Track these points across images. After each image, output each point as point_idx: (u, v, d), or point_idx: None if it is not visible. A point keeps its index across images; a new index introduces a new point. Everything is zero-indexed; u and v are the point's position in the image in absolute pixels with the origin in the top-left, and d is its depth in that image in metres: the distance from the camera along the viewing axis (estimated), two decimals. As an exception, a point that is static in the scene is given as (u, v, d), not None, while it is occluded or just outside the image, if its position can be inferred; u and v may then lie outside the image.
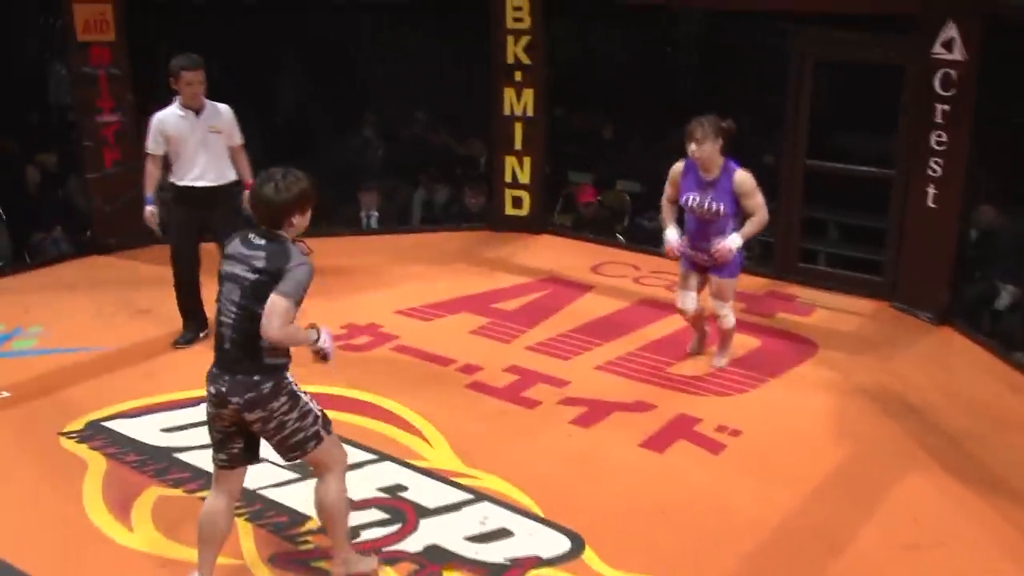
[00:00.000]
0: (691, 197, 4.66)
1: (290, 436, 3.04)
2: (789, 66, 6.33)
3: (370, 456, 4.11)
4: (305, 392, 3.10)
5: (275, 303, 2.90)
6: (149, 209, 5.33)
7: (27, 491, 3.82)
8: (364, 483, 3.88)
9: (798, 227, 6.60)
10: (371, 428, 4.38)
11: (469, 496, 3.83)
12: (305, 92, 9.37)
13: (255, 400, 2.98)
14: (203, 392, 4.46)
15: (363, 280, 6.54)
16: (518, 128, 7.48)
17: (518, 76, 7.37)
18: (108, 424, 4.37)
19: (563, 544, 3.53)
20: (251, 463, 3.17)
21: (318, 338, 3.10)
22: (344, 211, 7.95)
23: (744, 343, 5.39)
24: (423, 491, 3.86)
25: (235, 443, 3.10)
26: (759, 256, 7.00)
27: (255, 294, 2.95)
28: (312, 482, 3.80)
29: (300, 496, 3.76)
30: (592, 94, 8.93)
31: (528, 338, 5.54)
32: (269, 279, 2.94)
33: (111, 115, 6.90)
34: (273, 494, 3.80)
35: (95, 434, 4.28)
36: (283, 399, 3.01)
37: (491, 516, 3.69)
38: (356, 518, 3.62)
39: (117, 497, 3.77)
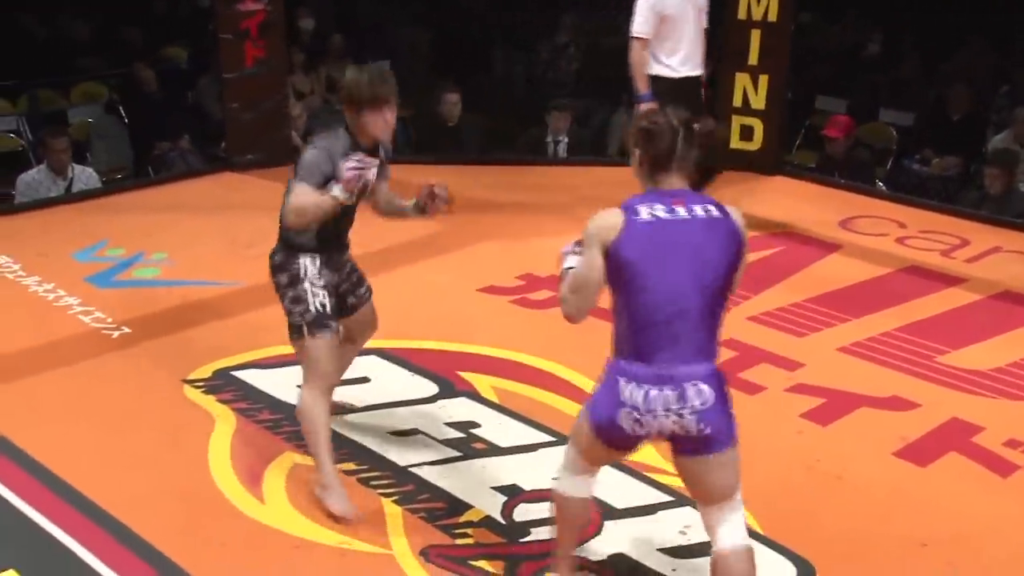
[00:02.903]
0: None
1: (286, 315, 3.74)
2: None
3: (548, 438, 4.20)
4: (320, 288, 3.69)
5: (291, 190, 3.59)
6: (648, 108, 5.43)
7: (148, 448, 4.13)
8: (539, 470, 3.96)
9: None
10: (548, 403, 4.48)
11: (668, 498, 3.84)
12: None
13: (271, 266, 3.79)
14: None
15: (546, 221, 6.62)
16: (755, 37, 7.33)
17: (761, -33, 7.21)
18: (239, 374, 4.67)
19: (788, 572, 3.50)
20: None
21: (338, 191, 3.51)
22: (528, 134, 8.06)
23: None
24: (610, 486, 3.86)
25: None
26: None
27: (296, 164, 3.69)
28: (478, 462, 3.94)
29: (462, 478, 3.90)
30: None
31: (752, 306, 5.47)
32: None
33: (254, 3, 7.21)
34: (428, 474, 3.95)
35: (224, 385, 4.58)
36: (284, 276, 3.72)
37: (695, 526, 3.65)
38: (528, 512, 3.73)
39: (247, 462, 4.03)
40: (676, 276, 2.76)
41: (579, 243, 2.98)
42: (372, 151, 3.70)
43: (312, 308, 3.69)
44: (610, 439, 2.91)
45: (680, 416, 2.78)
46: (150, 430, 4.26)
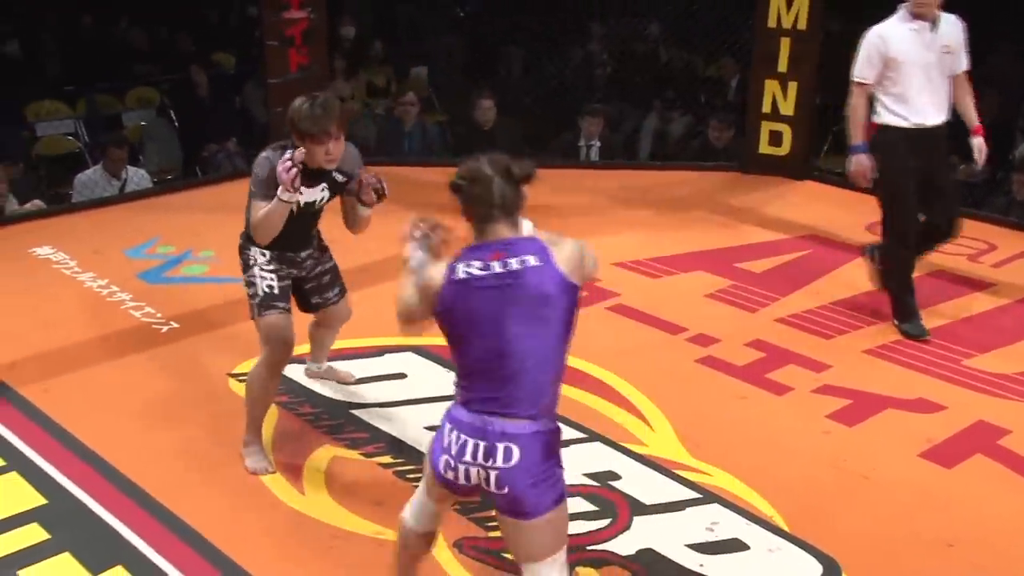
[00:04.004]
0: None
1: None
2: None
3: (577, 434, 4.17)
4: (269, 273, 3.83)
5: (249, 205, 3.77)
6: (863, 159, 4.87)
7: (193, 437, 4.15)
8: (568, 465, 3.88)
9: None
10: (580, 401, 4.44)
11: (695, 495, 3.81)
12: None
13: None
14: (390, 341, 4.75)
15: (577, 223, 6.55)
16: (784, 45, 7.25)
17: (793, -25, 7.10)
18: (281, 368, 4.67)
19: (813, 570, 3.44)
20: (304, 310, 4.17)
21: (281, 192, 3.62)
22: (560, 138, 8.03)
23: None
24: (639, 483, 3.87)
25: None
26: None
27: None
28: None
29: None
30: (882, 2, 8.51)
31: (779, 308, 5.41)
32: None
33: (299, 11, 7.23)
34: (462, 467, 3.92)
35: (267, 378, 4.58)
36: (240, 262, 3.92)
37: (722, 522, 3.65)
38: (559, 506, 3.70)
39: (288, 454, 4.04)
40: (494, 332, 2.66)
41: (429, 232, 2.87)
42: (318, 174, 3.73)
43: (260, 291, 3.83)
44: (442, 481, 2.79)
45: (484, 470, 2.68)
46: (196, 421, 4.27)
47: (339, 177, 3.83)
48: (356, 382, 4.56)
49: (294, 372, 4.60)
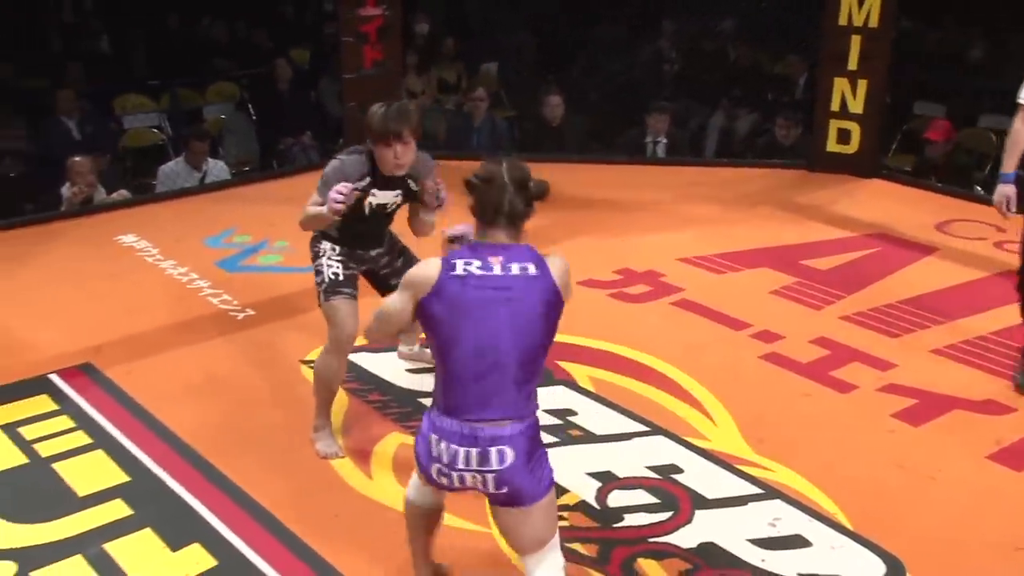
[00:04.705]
0: None
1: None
2: None
3: (640, 427, 4.15)
4: (335, 261, 3.87)
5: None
6: (1005, 189, 4.36)
7: (266, 422, 4.21)
8: (632, 458, 3.93)
9: None
10: (642, 394, 4.42)
11: (758, 490, 3.76)
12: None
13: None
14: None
15: (643, 218, 6.56)
16: (855, 43, 7.12)
17: (867, -27, 6.98)
18: (351, 357, 4.60)
19: (876, 568, 3.37)
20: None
21: (325, 208, 3.57)
22: (627, 135, 7.99)
23: None
24: (701, 476, 3.84)
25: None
26: None
27: None
28: (574, 448, 3.91)
29: (558, 463, 3.80)
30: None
31: (845, 306, 5.32)
32: None
33: (374, 8, 7.29)
34: (527, 457, 3.92)
35: (338, 366, 4.62)
36: (311, 252, 3.96)
37: (784, 518, 3.60)
38: (622, 498, 3.69)
39: (357, 440, 4.07)
40: (488, 333, 2.63)
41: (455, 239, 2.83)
42: (393, 179, 3.74)
43: (326, 277, 3.87)
44: (434, 485, 2.83)
45: (481, 475, 2.68)
46: (269, 406, 4.33)
47: (413, 185, 3.84)
48: (427, 370, 4.58)
49: (364, 360, 4.65)
